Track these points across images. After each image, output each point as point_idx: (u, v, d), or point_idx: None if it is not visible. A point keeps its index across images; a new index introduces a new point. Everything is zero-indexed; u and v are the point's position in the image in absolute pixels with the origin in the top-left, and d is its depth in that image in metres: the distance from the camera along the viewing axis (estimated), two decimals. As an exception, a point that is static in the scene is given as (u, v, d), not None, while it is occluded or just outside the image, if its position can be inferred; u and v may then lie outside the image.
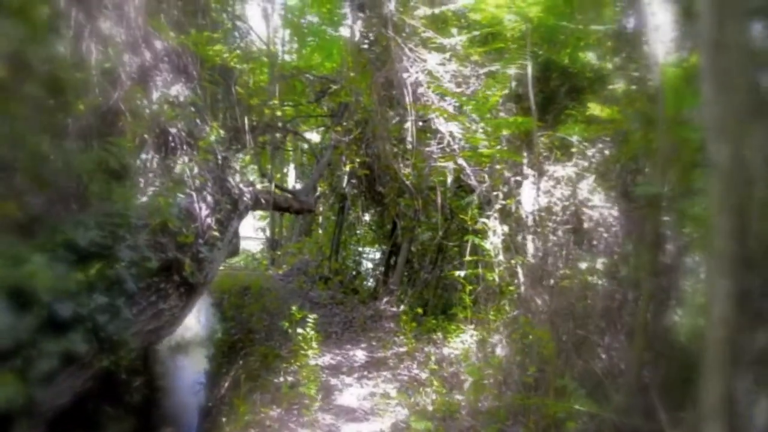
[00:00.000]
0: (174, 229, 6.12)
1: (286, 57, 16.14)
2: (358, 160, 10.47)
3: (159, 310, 5.96)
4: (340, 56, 14.77)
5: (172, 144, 6.64)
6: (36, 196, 5.76)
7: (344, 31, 15.91)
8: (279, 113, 13.74)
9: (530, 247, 7.38)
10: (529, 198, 7.54)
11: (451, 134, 9.04)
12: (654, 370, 5.11)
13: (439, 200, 9.71)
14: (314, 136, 18.68)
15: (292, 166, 24.48)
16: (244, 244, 26.71)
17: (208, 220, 6.57)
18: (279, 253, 20.35)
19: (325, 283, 15.69)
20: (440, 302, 11.13)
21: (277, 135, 13.13)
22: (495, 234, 7.91)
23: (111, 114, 6.19)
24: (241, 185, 7.53)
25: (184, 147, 6.69)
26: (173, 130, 6.64)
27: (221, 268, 21.20)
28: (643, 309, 5.12)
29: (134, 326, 5.73)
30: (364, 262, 17.95)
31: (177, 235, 6.15)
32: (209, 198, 6.68)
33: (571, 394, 5.08)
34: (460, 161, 9.11)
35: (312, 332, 8.42)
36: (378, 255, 17.48)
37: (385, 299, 13.24)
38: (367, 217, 18.72)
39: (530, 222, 7.45)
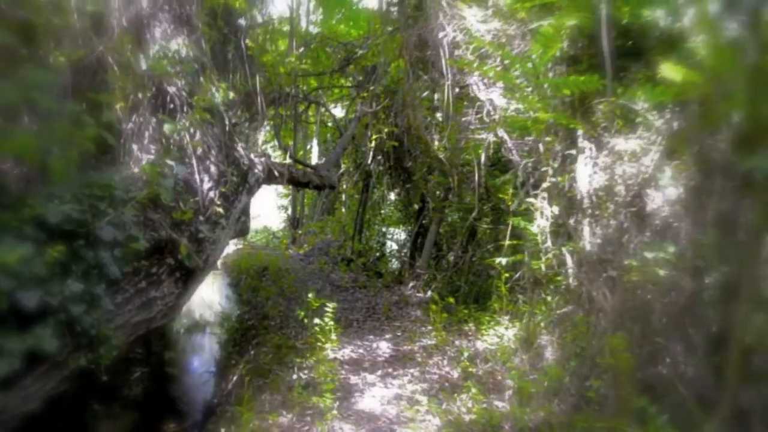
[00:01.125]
0: (168, 203, 5.14)
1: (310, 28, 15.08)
2: (386, 130, 9.36)
3: (149, 299, 5.00)
4: (367, 24, 13.66)
5: (171, 105, 5.64)
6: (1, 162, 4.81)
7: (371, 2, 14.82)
8: (300, 84, 12.74)
9: (586, 233, 6.26)
10: (585, 175, 6.41)
11: (491, 102, 7.92)
12: (755, 391, 4.04)
13: (476, 177, 8.58)
14: (338, 112, 17.63)
15: (315, 142, 23.48)
16: (265, 222, 25.92)
17: (211, 194, 5.58)
18: (300, 232, 19.43)
19: (347, 265, 14.74)
20: (472, 290, 10.08)
21: (299, 106, 12.07)
22: (542, 216, 6.80)
23: (96, 69, 5.19)
24: (252, 156, 6.53)
25: (185, 110, 5.69)
26: (172, 89, 5.63)
27: (239, 246, 20.40)
28: (740, 315, 4.04)
29: (118, 318, 4.78)
30: (389, 243, 16.95)
31: (172, 211, 5.17)
32: (213, 169, 5.69)
33: (650, 420, 4.02)
34: (501, 133, 7.99)
35: (331, 323, 7.46)
36: (403, 236, 16.47)
37: (410, 284, 12.22)
38: (392, 196, 17.68)
39: (586, 203, 6.32)
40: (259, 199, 26.11)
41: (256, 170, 6.47)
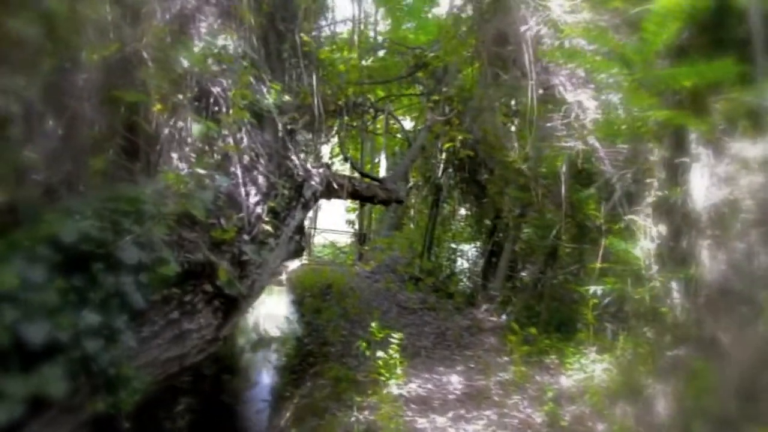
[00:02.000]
0: (206, 220, 4.39)
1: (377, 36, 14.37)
2: (459, 137, 8.39)
3: (182, 332, 4.25)
4: (437, 29, 12.81)
5: (215, 108, 4.91)
6: (20, 174, 4.18)
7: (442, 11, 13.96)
8: (368, 93, 11.99)
9: (705, 257, 5.11)
10: (702, 187, 5.27)
11: (579, 105, 6.88)
12: None
13: (563, 191, 7.51)
14: (408, 124, 16.83)
15: (383, 155, 22.73)
16: (332, 236, 25.32)
17: (258, 209, 4.81)
18: (367, 247, 18.66)
19: (415, 284, 13.80)
20: (554, 317, 8.95)
21: (365, 115, 11.30)
22: (646, 236, 5.69)
23: (130, 66, 4.51)
24: (308, 166, 5.75)
25: (231, 113, 4.96)
26: (216, 90, 4.91)
27: (304, 262, 19.82)
28: None
29: (143, 355, 4.03)
30: (459, 260, 15.90)
31: (211, 230, 4.42)
32: (261, 180, 4.93)
33: None
34: (591, 140, 6.92)
35: (396, 355, 6.55)
36: (474, 252, 15.39)
37: (483, 307, 11.18)
38: (462, 211, 16.66)
39: (704, 221, 5.18)
40: (326, 214, 25.62)
41: (312, 182, 5.68)
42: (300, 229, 5.58)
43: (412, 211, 17.69)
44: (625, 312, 7.83)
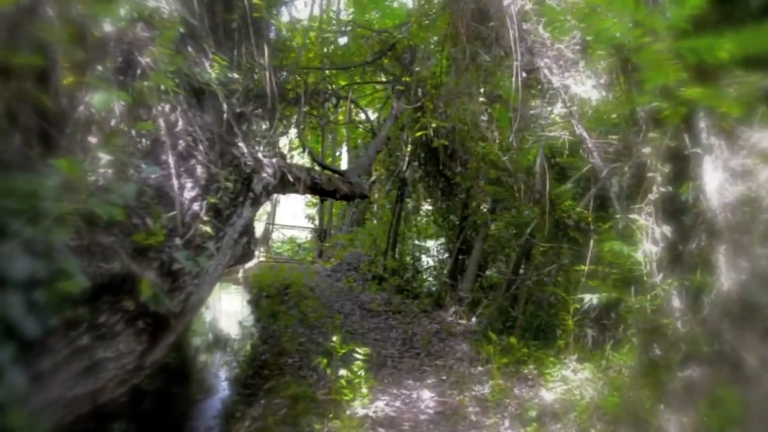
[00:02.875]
0: (128, 220, 3.45)
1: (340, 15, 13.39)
2: (433, 125, 7.51)
3: (95, 363, 3.32)
4: (405, 14, 11.96)
5: (145, 82, 3.97)
6: None
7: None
8: (329, 80, 11.08)
9: (722, 264, 4.40)
10: (715, 183, 4.57)
11: (566, 90, 6.15)
12: None
13: (546, 185, 6.78)
14: (372, 116, 15.97)
15: (345, 149, 21.81)
16: (291, 233, 24.26)
17: (195, 206, 3.90)
18: (327, 244, 17.77)
19: (379, 284, 12.99)
20: (532, 322, 8.23)
21: (326, 104, 10.38)
22: (648, 238, 4.97)
23: (29, 23, 3.53)
24: (259, 155, 4.83)
25: (164, 90, 4.03)
26: (146, 61, 3.97)
27: (261, 258, 18.78)
28: None
29: (41, 394, 3.10)
30: (425, 258, 15.13)
31: (133, 232, 3.49)
32: (200, 171, 4.01)
33: None
34: (579, 130, 6.19)
35: (361, 372, 5.71)
36: (440, 249, 14.64)
37: (452, 309, 10.43)
38: (427, 206, 15.88)
39: (720, 222, 4.48)
40: (285, 208, 24.53)
41: (264, 174, 4.78)
42: (248, 230, 4.68)
43: (375, 206, 16.85)
44: (613, 319, 7.20)
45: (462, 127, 7.97)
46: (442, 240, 14.18)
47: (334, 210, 20.49)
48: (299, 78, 9.67)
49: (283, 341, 8.49)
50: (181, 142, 4.06)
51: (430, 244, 15.24)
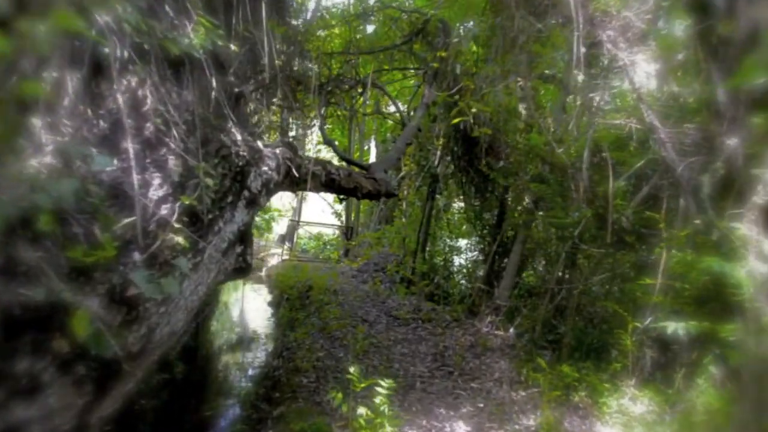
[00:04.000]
0: (62, 230, 2.49)
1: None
2: (474, 109, 6.39)
3: (11, 426, 2.38)
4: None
5: (105, 50, 3.01)
6: None
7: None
8: (355, 68, 10.06)
9: None
10: None
11: (635, 67, 5.04)
12: None
13: (611, 183, 5.67)
14: (401, 107, 14.92)
15: (373, 143, 20.78)
16: (317, 230, 23.34)
17: (165, 208, 2.92)
18: (354, 242, 16.79)
19: (407, 288, 11.97)
20: (584, 341, 7.10)
21: (351, 91, 9.37)
22: (756, 254, 3.84)
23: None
24: (258, 144, 3.82)
25: (129, 57, 3.06)
26: (106, 20, 3.00)
27: (285, 257, 17.88)
28: None
29: None
30: (456, 259, 14.04)
31: (71, 246, 2.53)
32: (173, 163, 3.03)
33: None
34: (650, 116, 5.07)
35: (385, 407, 4.68)
36: (473, 251, 13.54)
37: (487, 319, 9.34)
38: (458, 204, 14.78)
39: None
40: (311, 205, 23.61)
41: (264, 168, 3.78)
42: (244, 238, 3.70)
43: (404, 204, 15.80)
44: (683, 342, 6.05)
45: (504, 114, 6.86)
46: (475, 240, 13.09)
47: (362, 207, 19.50)
48: (321, 64, 8.71)
49: (299, 355, 7.52)
50: (149, 125, 3.07)
51: (462, 243, 14.19)
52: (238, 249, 3.69)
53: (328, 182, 5.16)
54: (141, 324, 2.79)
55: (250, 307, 13.84)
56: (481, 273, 11.20)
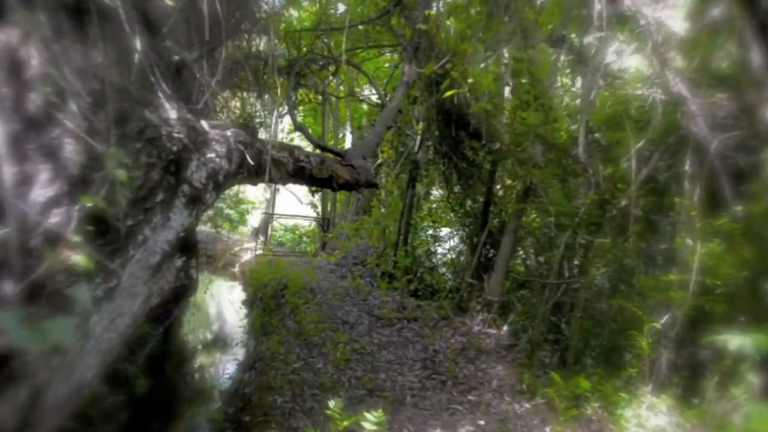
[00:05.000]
0: None
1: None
2: (470, 79, 5.41)
3: None
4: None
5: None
6: None
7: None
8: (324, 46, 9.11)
9: None
10: None
11: (661, 28, 4.21)
12: None
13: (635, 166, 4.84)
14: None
15: (348, 129, 19.77)
16: (293, 221, 22.34)
17: (56, 215, 2.01)
18: (331, 235, 15.86)
19: (389, 282, 11.11)
20: (592, 342, 6.32)
21: (323, 72, 8.43)
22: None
23: None
24: (203, 125, 2.90)
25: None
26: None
27: (258, 251, 16.90)
28: None
29: None
30: (440, 249, 13.23)
31: None
32: (69, 150, 2.12)
33: None
34: (678, 85, 4.26)
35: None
36: (457, 241, 12.74)
37: (479, 316, 8.53)
38: (436, 191, 13.95)
39: None
40: (284, 196, 22.57)
41: (210, 155, 2.87)
42: (185, 247, 2.79)
43: (382, 193, 14.90)
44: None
45: (496, 89, 5.99)
46: (458, 229, 12.29)
47: (338, 197, 18.55)
48: (289, 42, 7.78)
49: (273, 366, 6.63)
50: (33, 96, 2.14)
51: (444, 231, 13.39)
52: (178, 262, 2.77)
53: (297, 171, 4.24)
54: (17, 386, 1.88)
55: (224, 306, 12.91)
56: (467, 265, 10.38)
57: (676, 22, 4.17)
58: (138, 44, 2.73)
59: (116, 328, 2.34)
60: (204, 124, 2.96)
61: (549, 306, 7.31)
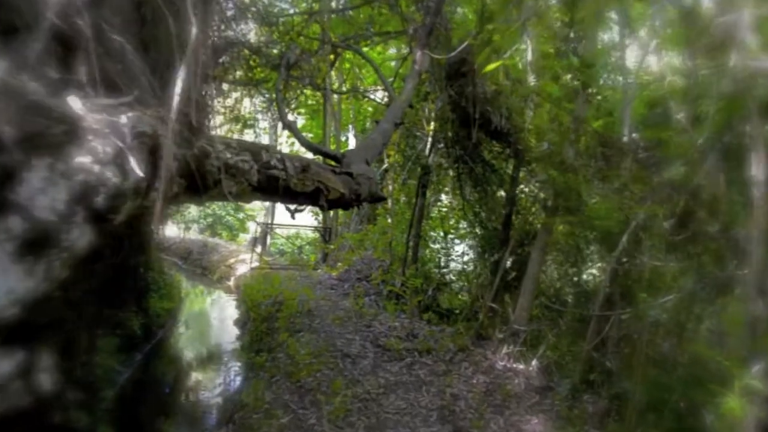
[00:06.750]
0: None
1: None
2: (493, 66, 4.02)
3: None
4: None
5: None
6: None
7: None
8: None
9: None
10: None
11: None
12: None
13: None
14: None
15: (351, 134, 18.35)
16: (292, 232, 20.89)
17: None
18: (332, 246, 14.48)
19: (396, 302, 9.72)
20: (661, 398, 4.93)
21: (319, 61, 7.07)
22: None
23: None
24: (70, 102, 1.63)
25: None
26: None
27: (254, 264, 15.55)
28: None
29: None
30: (453, 264, 11.83)
31: None
32: None
33: None
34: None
35: None
36: (473, 256, 11.34)
37: (503, 349, 7.13)
38: (444, 198, 12.52)
39: None
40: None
41: (80, 159, 1.56)
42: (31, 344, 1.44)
43: (388, 200, 13.50)
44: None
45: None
46: (474, 242, 10.92)
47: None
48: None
49: (255, 421, 5.26)
50: None
51: (457, 242, 12.00)
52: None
53: (266, 183, 2.87)
54: None
55: (216, 323, 11.66)
56: (485, 283, 8.98)
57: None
58: None
59: None
60: (73, 101, 1.61)
61: (592, 344, 5.91)
